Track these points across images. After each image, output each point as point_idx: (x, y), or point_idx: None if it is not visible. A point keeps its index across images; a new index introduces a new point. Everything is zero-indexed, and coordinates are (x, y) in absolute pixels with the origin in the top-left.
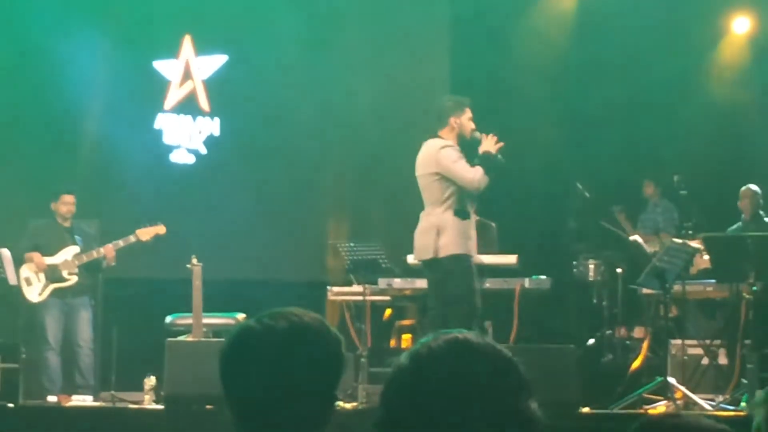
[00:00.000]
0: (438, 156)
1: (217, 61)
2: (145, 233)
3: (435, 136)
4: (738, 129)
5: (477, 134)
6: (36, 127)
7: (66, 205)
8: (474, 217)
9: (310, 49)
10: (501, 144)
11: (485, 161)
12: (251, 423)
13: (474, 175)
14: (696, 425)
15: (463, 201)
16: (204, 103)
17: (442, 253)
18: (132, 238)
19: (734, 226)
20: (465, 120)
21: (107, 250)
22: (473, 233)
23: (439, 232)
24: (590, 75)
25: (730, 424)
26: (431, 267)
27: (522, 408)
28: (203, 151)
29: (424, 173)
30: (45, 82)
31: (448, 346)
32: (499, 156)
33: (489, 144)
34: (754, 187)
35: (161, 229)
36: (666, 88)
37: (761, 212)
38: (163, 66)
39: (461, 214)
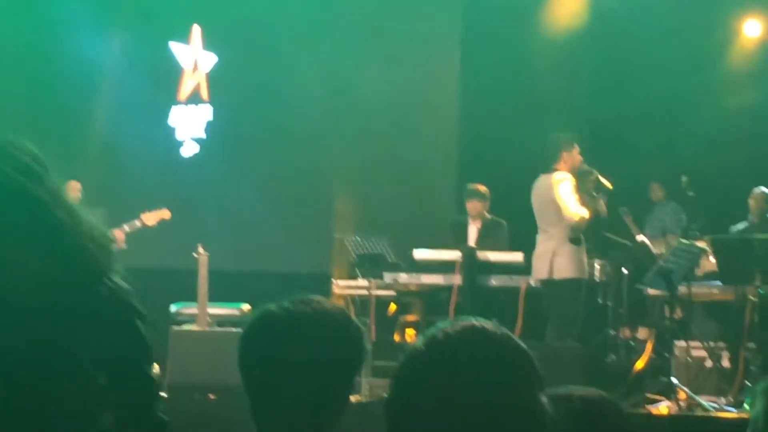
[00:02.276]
0: (555, 187)
1: (219, 54)
2: (151, 218)
3: (551, 170)
4: (748, 131)
5: (585, 167)
6: (44, 114)
7: (72, 191)
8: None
9: (319, 39)
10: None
11: (599, 189)
12: (268, 409)
13: (576, 213)
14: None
15: (575, 230)
16: (205, 92)
17: (557, 276)
18: (137, 223)
19: (740, 225)
20: (575, 154)
21: (117, 235)
22: (585, 258)
23: (554, 255)
24: (601, 78)
25: (732, 427)
26: (547, 286)
27: (532, 400)
28: (204, 137)
29: (543, 201)
30: (55, 69)
31: (464, 333)
32: (605, 183)
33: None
34: (766, 189)
35: (166, 214)
36: (676, 91)
37: None
38: (178, 49)
39: (575, 241)
